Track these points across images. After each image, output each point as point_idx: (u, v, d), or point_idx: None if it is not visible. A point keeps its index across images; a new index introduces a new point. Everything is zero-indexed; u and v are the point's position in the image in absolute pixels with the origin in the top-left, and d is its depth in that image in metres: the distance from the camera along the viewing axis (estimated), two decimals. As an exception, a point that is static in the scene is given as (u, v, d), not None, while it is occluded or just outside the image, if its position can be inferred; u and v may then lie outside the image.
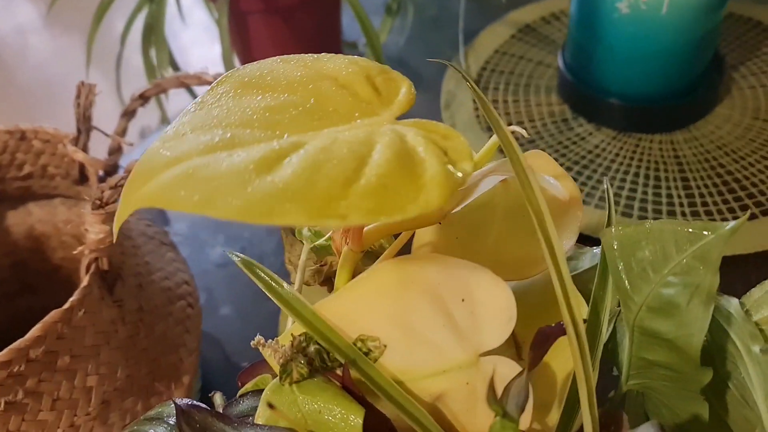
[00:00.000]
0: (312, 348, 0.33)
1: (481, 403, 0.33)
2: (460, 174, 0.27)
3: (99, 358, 0.46)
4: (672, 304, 0.33)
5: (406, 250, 0.39)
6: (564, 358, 0.37)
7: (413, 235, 0.41)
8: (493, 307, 0.33)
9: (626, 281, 0.35)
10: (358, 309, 0.33)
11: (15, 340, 0.42)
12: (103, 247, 0.45)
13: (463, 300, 0.33)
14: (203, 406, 0.32)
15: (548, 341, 0.30)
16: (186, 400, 0.33)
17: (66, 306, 0.43)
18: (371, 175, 0.25)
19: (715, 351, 0.35)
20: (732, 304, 0.33)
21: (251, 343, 0.33)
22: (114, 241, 0.43)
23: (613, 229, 0.36)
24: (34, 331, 0.42)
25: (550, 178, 0.32)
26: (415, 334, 0.33)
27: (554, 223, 0.38)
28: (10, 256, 0.65)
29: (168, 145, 0.26)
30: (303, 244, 0.43)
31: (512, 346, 0.40)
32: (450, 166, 0.27)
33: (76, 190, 0.60)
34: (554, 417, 0.35)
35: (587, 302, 0.38)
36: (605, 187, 0.41)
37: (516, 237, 0.40)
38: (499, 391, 0.32)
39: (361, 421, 0.31)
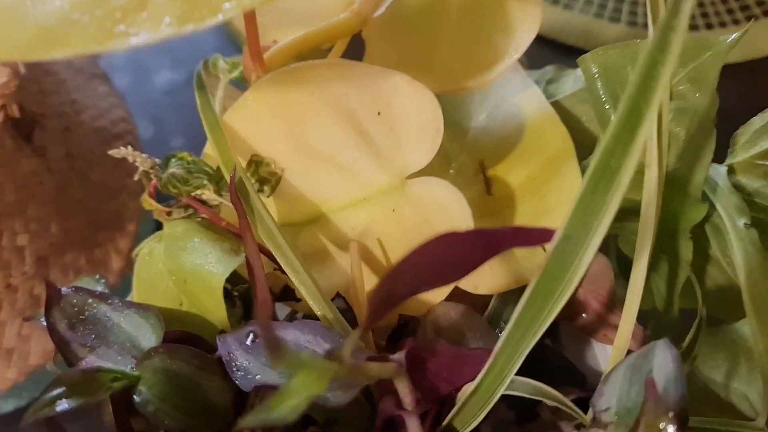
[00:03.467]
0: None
1: (412, 232, 0.29)
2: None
3: (26, 215, 0.42)
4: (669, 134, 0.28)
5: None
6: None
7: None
8: (416, 118, 0.28)
9: (612, 114, 0.30)
10: (249, 131, 0.28)
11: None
12: (9, 92, 0.39)
13: (379, 113, 0.28)
14: (87, 287, 0.27)
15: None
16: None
17: (-26, 162, 0.38)
18: None
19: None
20: (719, 172, 0.29)
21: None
22: (16, 84, 0.37)
23: (591, 54, 0.30)
24: (-59, 193, 0.37)
25: None
26: (321, 157, 0.28)
27: (499, 11, 0.31)
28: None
29: None
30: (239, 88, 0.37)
31: (479, 182, 0.36)
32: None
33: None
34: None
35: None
36: None
37: (473, 34, 0.33)
38: (435, 214, 0.28)
39: (220, 291, 0.27)
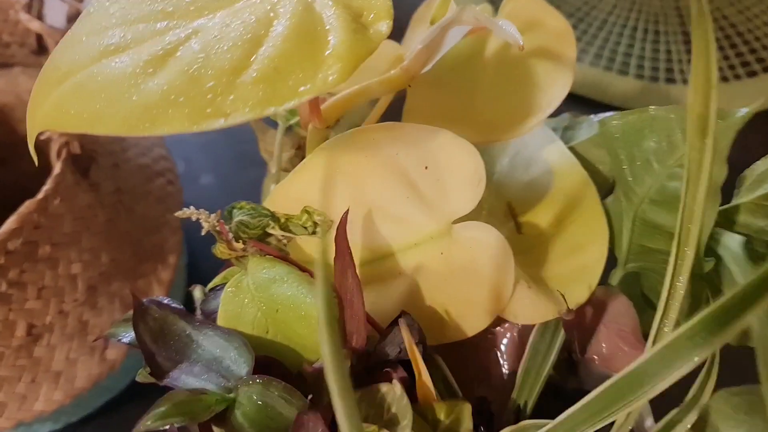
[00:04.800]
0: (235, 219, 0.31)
1: (459, 271, 0.32)
2: (374, 37, 0.24)
3: (81, 245, 0.44)
4: (678, 197, 0.31)
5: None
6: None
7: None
8: (460, 170, 0.30)
9: (629, 173, 0.33)
10: (311, 192, 0.31)
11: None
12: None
13: (426, 167, 0.30)
14: (167, 303, 0.30)
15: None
16: (158, 298, 0.31)
17: (40, 195, 0.41)
18: (264, 58, 0.22)
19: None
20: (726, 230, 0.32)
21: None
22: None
23: (611, 117, 0.33)
24: (10, 224, 0.40)
25: (504, 22, 0.29)
26: (377, 210, 0.31)
27: (533, 68, 0.34)
28: (-28, 128, 0.61)
29: (62, 56, 0.23)
30: (276, 128, 0.40)
31: (509, 220, 0.39)
32: (363, 30, 0.24)
33: (36, 59, 0.55)
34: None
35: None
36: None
37: (508, 89, 0.36)
38: (480, 254, 0.31)
39: (316, 319, 0.28)
